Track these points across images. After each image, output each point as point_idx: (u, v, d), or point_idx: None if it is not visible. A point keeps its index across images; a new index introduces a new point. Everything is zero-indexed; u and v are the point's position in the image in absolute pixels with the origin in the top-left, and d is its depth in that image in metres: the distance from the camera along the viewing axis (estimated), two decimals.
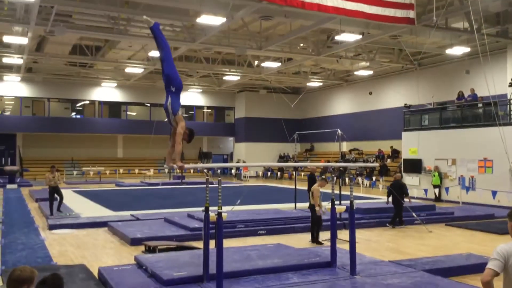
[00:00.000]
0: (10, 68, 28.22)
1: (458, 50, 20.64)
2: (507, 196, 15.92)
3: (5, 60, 24.34)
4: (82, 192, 21.22)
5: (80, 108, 35.40)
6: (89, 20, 18.78)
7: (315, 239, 10.31)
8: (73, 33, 19.55)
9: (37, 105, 33.68)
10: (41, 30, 18.41)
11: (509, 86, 18.03)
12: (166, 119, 6.05)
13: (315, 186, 10.34)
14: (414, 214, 12.69)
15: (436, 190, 18.71)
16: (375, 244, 10.20)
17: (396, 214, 12.55)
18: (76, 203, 16.53)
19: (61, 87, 32.52)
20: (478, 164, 17.54)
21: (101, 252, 9.40)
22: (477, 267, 7.36)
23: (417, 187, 19.33)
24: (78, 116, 35.37)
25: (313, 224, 10.43)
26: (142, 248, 9.34)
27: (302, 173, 29.78)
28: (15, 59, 24.05)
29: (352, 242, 7.07)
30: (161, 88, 30.30)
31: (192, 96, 36.01)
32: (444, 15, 15.85)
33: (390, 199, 12.75)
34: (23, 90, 31.95)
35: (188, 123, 5.93)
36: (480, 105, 18.68)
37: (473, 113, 19.10)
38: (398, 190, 12.49)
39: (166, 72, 5.78)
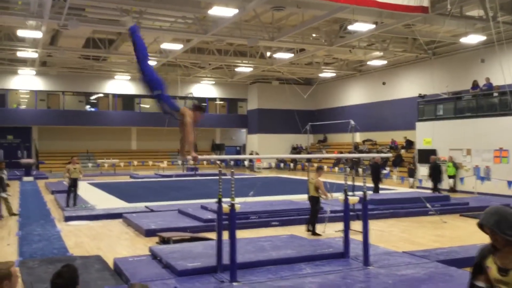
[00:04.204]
0: (24, 62, 28.53)
1: (473, 39, 20.36)
2: None
3: (20, 54, 24.64)
4: (97, 184, 21.42)
5: (95, 101, 35.66)
6: (102, 14, 18.86)
7: (313, 231, 10.18)
8: (86, 26, 19.67)
9: (52, 99, 34.02)
10: (54, 24, 18.56)
11: None
12: None
13: (316, 178, 10.27)
14: (428, 205, 12.63)
15: (451, 181, 18.57)
16: (389, 235, 10.17)
17: (435, 187, 16.40)
18: (92, 195, 16.72)
19: (75, 81, 32.80)
20: (494, 154, 17.34)
21: (116, 243, 9.51)
22: None
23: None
24: (93, 109, 35.63)
25: (313, 215, 10.36)
26: (157, 239, 9.41)
27: (315, 164, 29.73)
28: (30, 53, 24.32)
29: (366, 232, 7.05)
30: (173, 80, 30.43)
31: (204, 88, 36.05)
32: (458, 3, 15.62)
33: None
34: (38, 83, 32.29)
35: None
36: (495, 94, 18.41)
37: (488, 102, 18.82)
38: (437, 170, 16.48)
39: (147, 76, 5.53)
